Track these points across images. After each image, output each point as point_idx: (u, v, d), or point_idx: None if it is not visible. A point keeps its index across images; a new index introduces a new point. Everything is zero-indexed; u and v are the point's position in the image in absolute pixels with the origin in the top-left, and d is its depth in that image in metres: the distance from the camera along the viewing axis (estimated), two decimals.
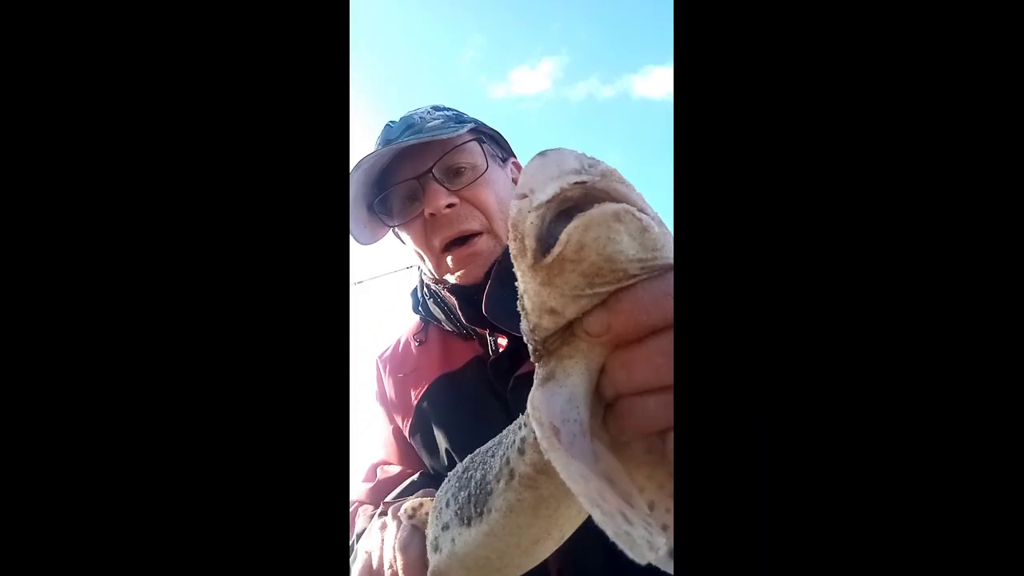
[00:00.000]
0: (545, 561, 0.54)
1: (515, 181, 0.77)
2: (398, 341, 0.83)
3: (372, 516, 0.63)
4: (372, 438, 0.80)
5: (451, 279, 0.70)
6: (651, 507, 0.28)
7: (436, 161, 0.67)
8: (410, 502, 0.54)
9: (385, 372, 0.81)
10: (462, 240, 0.68)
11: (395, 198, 0.71)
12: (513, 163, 0.79)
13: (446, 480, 0.44)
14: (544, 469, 0.32)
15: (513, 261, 0.27)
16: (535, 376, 0.30)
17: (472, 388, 0.68)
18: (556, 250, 0.24)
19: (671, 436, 0.25)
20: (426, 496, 0.53)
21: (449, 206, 0.67)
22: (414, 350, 0.78)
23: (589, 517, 0.32)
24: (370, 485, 0.75)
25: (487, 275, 0.67)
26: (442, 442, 0.69)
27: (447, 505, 0.41)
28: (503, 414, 0.63)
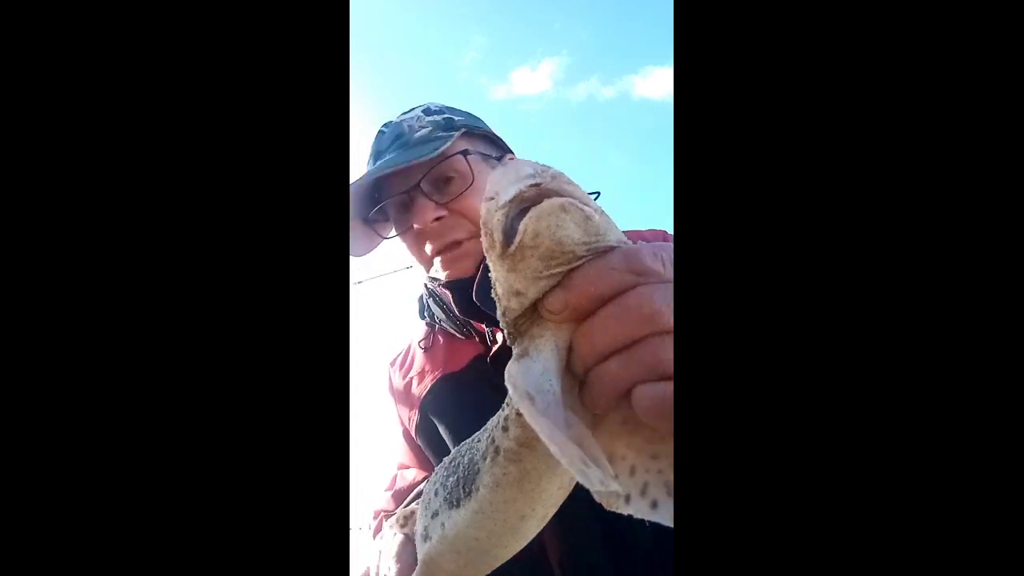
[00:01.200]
0: (545, 552, 0.57)
1: None
2: (408, 348, 0.86)
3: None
4: (391, 444, 0.83)
5: (444, 276, 0.73)
6: (632, 471, 0.31)
7: (423, 176, 0.69)
8: (400, 511, 0.56)
9: (395, 377, 0.84)
10: (450, 247, 0.71)
11: (388, 208, 0.74)
12: (510, 159, 0.79)
13: (433, 474, 0.46)
14: (527, 443, 0.34)
15: (486, 255, 0.31)
16: (513, 355, 0.33)
17: (474, 387, 0.71)
18: (517, 239, 0.28)
19: (634, 392, 0.28)
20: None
21: (437, 219, 0.69)
22: (420, 355, 0.81)
23: (578, 504, 0.35)
24: (391, 493, 0.78)
25: (477, 267, 0.70)
26: (447, 441, 0.71)
27: (435, 494, 0.43)
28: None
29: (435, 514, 0.42)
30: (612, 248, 0.30)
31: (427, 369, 0.78)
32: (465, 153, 0.72)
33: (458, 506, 0.39)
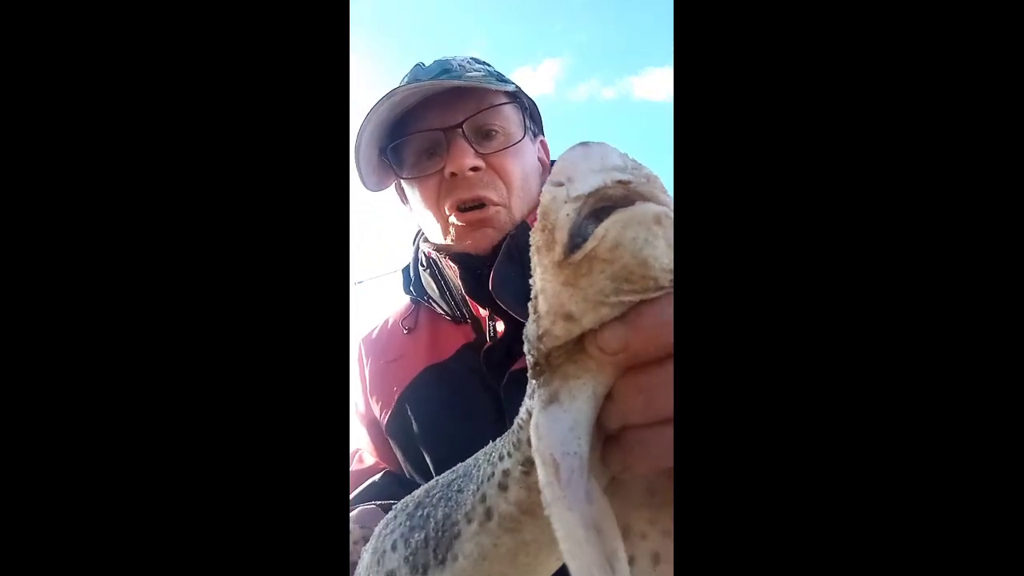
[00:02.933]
0: None
1: (541, 161, 0.70)
2: (385, 322, 0.74)
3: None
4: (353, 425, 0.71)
5: (456, 246, 0.63)
6: (655, 560, 0.25)
7: (469, 117, 0.59)
8: (360, 532, 0.48)
9: (367, 357, 0.72)
10: (476, 206, 0.61)
11: (412, 148, 0.63)
12: (541, 141, 0.72)
13: (390, 516, 0.38)
14: (530, 510, 0.27)
15: (534, 254, 0.25)
16: (536, 397, 0.25)
17: (460, 381, 0.61)
18: (590, 244, 0.22)
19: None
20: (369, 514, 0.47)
21: (474, 169, 0.59)
22: (401, 336, 0.69)
23: None
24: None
25: (496, 249, 0.60)
26: (421, 444, 0.61)
27: (393, 548, 0.34)
28: (495, 413, 0.57)
29: (390, 574, 0.34)
30: None
31: (408, 357, 0.67)
32: (518, 100, 0.63)
33: (424, 573, 0.31)
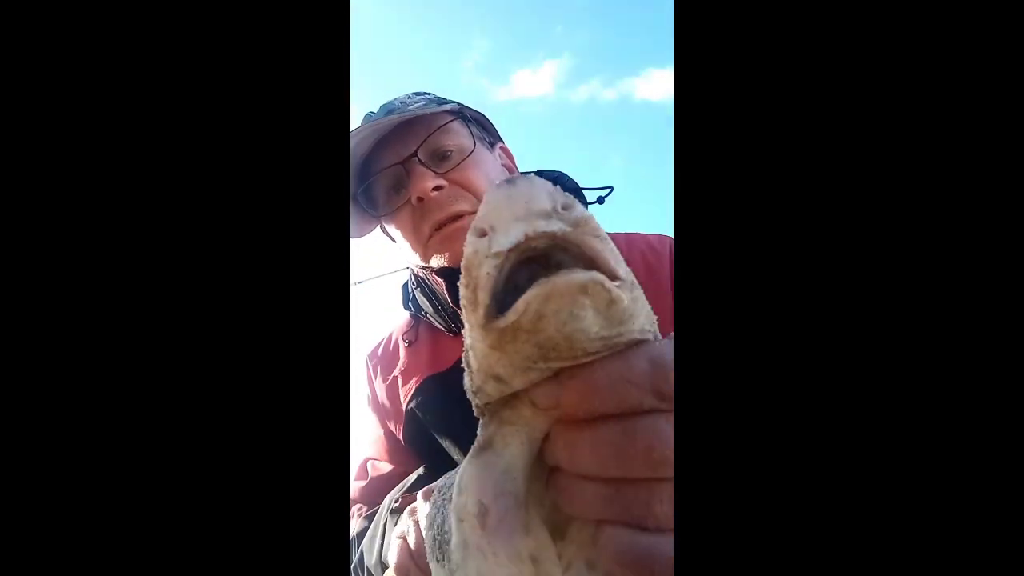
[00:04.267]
0: None
1: (507, 168, 0.73)
2: (388, 338, 0.79)
3: (368, 516, 0.63)
4: (362, 437, 0.76)
5: (438, 261, 0.66)
6: (591, 567, 0.25)
7: (420, 144, 0.63)
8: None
9: (375, 373, 0.76)
10: (452, 221, 0.64)
11: (379, 188, 0.67)
12: (501, 148, 0.74)
13: (431, 500, 0.42)
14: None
15: (462, 308, 0.24)
16: (474, 443, 0.26)
17: (460, 390, 0.65)
18: (511, 317, 0.21)
19: (606, 529, 0.23)
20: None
21: (436, 188, 0.62)
22: (403, 351, 0.74)
23: None
24: (363, 483, 0.72)
25: None
26: (437, 444, 0.65)
27: (429, 537, 0.39)
28: None
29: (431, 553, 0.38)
30: (636, 345, 0.23)
31: (411, 370, 0.71)
32: (461, 116, 0.66)
33: (438, 563, 0.35)
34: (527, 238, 0.21)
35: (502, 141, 0.75)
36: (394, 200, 0.66)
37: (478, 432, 0.27)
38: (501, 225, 0.22)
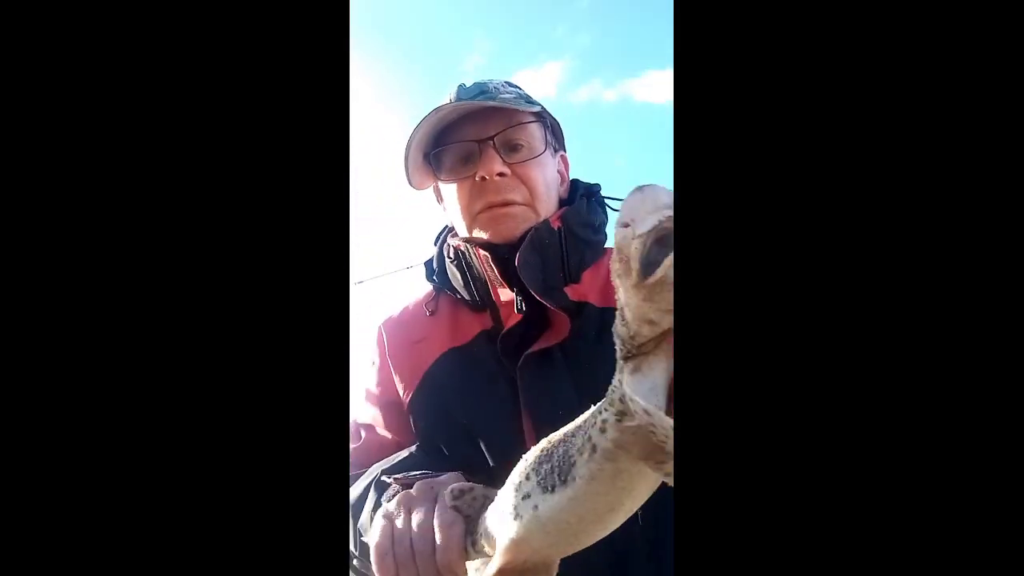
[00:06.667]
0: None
1: (561, 174, 0.81)
2: (405, 308, 0.83)
3: (367, 484, 0.65)
4: (360, 401, 0.81)
5: (482, 235, 0.73)
6: None
7: (499, 132, 0.71)
8: (456, 485, 0.58)
9: (390, 337, 0.79)
10: (503, 205, 0.72)
11: (451, 155, 0.74)
12: (561, 156, 0.82)
13: (522, 462, 0.50)
14: (623, 445, 0.38)
15: (615, 280, 0.33)
16: (624, 372, 0.36)
17: (479, 364, 0.70)
18: (659, 273, 0.30)
19: None
20: (424, 478, 0.57)
21: (501, 175, 0.70)
22: (424, 318, 0.78)
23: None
24: (355, 446, 0.76)
25: (520, 238, 0.70)
26: (447, 415, 0.70)
27: (527, 478, 0.47)
28: (510, 392, 0.67)
29: (527, 496, 0.46)
30: None
31: (433, 338, 0.75)
32: (541, 119, 0.74)
33: (552, 491, 0.43)
34: (660, 222, 0.30)
35: (564, 150, 0.82)
36: (460, 171, 0.73)
37: (624, 368, 0.36)
38: (639, 217, 0.31)
